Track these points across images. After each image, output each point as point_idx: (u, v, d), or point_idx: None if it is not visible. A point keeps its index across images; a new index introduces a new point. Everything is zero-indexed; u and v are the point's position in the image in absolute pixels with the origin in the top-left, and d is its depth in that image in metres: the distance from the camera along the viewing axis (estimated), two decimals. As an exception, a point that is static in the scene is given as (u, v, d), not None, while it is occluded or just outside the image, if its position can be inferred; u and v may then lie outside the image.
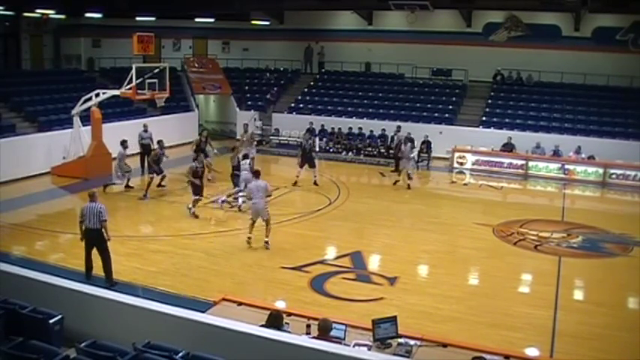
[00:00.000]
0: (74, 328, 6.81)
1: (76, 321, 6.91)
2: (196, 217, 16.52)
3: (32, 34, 29.29)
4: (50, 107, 23.61)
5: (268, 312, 7.77)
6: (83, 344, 6.11)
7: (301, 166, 20.71)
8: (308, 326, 7.83)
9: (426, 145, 25.62)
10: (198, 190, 16.78)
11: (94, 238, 11.73)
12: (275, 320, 7.41)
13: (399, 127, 25.19)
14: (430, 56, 29.90)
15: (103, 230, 11.70)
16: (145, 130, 21.90)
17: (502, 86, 28.97)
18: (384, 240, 15.54)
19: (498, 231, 16.30)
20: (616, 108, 25.95)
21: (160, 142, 19.45)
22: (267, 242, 14.27)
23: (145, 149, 21.57)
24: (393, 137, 25.67)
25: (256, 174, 15.05)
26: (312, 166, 20.88)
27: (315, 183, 20.59)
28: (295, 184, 20.50)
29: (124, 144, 19.33)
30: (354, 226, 16.60)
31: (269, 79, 32.54)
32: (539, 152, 24.20)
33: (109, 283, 11.61)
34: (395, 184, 21.24)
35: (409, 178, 20.98)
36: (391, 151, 25.48)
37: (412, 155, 22.20)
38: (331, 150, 27.37)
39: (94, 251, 11.91)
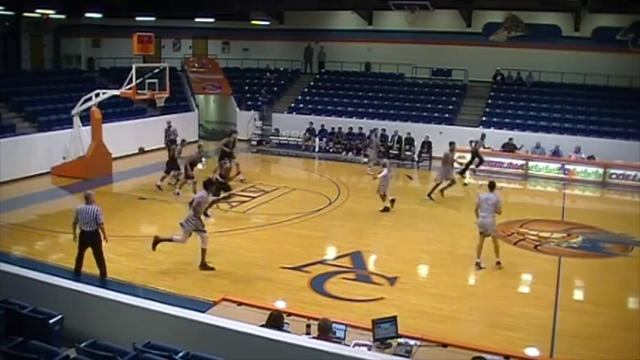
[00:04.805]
0: (74, 328, 6.81)
1: (76, 321, 6.91)
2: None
3: (32, 34, 29.32)
4: (50, 107, 23.60)
5: (268, 312, 7.77)
6: (83, 344, 6.11)
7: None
8: (308, 326, 7.84)
9: (427, 145, 25.63)
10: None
11: (90, 240, 11.72)
12: (275, 320, 7.41)
13: (383, 129, 26.37)
14: (430, 56, 29.90)
15: (100, 231, 11.71)
16: (169, 127, 22.06)
17: (502, 86, 28.98)
18: (384, 240, 15.55)
19: (498, 231, 16.26)
20: (616, 108, 25.96)
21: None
22: (498, 262, 13.34)
23: (171, 145, 21.80)
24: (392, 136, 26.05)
25: (491, 186, 13.79)
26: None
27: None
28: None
29: None
30: (354, 226, 16.60)
31: (269, 79, 32.53)
32: (539, 152, 24.21)
33: (104, 277, 12.00)
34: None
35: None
36: (391, 151, 25.75)
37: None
38: (331, 150, 27.36)
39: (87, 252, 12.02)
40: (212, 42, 34.21)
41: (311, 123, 27.93)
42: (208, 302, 9.67)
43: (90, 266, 12.47)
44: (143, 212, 17.47)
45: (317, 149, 27.49)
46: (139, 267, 12.80)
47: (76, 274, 11.99)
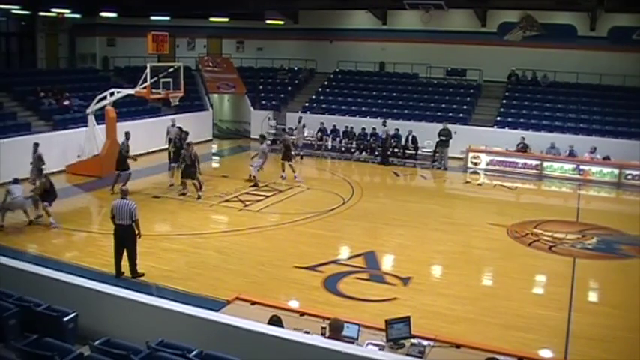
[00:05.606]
0: (88, 325, 6.83)
1: (90, 319, 6.93)
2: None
3: (48, 33, 29.55)
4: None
5: (282, 311, 7.76)
6: (97, 342, 6.12)
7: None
8: (324, 328, 7.79)
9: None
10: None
11: (124, 234, 11.99)
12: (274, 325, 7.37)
13: (384, 121, 26.20)
14: (445, 56, 29.83)
15: (134, 226, 12.00)
16: (173, 125, 22.09)
17: (517, 86, 28.82)
18: (397, 240, 15.50)
19: (512, 232, 16.21)
20: (632, 108, 25.64)
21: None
22: None
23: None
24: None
25: None
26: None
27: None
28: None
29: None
30: (367, 226, 16.57)
31: (283, 79, 32.58)
32: (553, 153, 24.04)
33: (134, 275, 12.12)
34: None
35: None
36: (407, 151, 25.75)
37: None
38: (344, 149, 27.30)
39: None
40: (226, 41, 34.27)
41: (322, 123, 27.79)
42: (222, 301, 9.66)
43: (104, 265, 12.57)
44: (157, 211, 17.50)
45: (330, 148, 27.44)
46: (152, 265, 12.82)
47: (118, 272, 12.12)
